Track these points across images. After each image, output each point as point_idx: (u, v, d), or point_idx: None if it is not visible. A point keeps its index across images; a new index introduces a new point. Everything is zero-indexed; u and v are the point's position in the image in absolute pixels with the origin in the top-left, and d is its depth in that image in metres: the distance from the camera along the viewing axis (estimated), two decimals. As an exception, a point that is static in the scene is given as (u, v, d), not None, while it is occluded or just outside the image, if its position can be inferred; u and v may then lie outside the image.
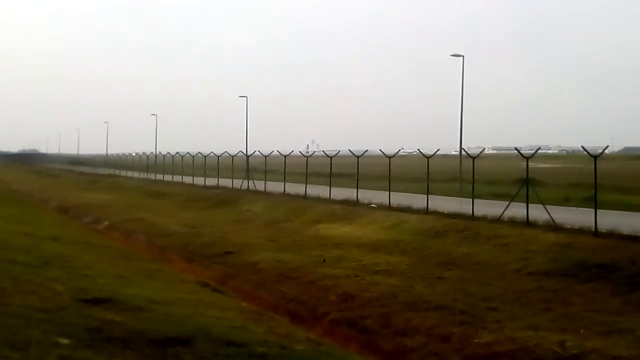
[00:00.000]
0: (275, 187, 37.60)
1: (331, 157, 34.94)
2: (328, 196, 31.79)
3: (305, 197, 33.20)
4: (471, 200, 24.29)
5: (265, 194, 37.25)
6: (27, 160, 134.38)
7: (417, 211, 25.59)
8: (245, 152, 49.00)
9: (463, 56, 39.92)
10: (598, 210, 19.59)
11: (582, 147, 23.79)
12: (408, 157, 49.66)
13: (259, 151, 44.65)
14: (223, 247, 21.95)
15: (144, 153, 67.18)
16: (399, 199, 28.19)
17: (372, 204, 28.87)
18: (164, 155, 60.43)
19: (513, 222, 21.51)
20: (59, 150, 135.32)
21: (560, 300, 13.91)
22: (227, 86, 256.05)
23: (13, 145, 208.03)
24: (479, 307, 13.22)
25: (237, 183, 42.57)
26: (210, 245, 22.47)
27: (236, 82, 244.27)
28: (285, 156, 39.03)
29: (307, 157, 38.80)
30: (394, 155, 31.21)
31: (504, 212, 22.30)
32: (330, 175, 33.79)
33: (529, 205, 21.82)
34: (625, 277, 15.05)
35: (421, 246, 20.55)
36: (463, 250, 19.37)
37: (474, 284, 15.52)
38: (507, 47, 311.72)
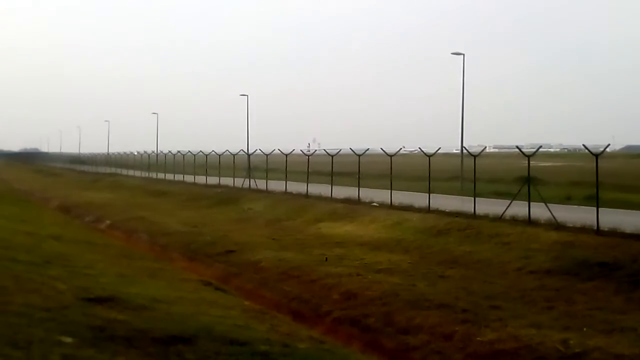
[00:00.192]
0: (276, 185, 37.60)
1: (332, 156, 34.92)
2: (329, 195, 31.78)
3: (306, 195, 33.20)
4: (473, 198, 24.27)
5: (267, 192, 37.25)
6: (28, 159, 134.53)
7: (419, 210, 25.57)
8: (246, 151, 49.00)
9: (464, 54, 39.91)
10: (600, 209, 19.56)
11: (584, 145, 23.74)
12: (409, 155, 49.57)
13: (260, 150, 44.67)
14: (225, 245, 21.95)
15: (145, 152, 67.27)
16: (401, 197, 28.18)
17: (373, 202, 28.86)
18: (165, 154, 60.46)
19: (515, 220, 21.50)
20: (60, 149, 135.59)
21: (562, 298, 13.90)
22: (228, 85, 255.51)
23: (14, 144, 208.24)
24: (482, 306, 13.21)
25: (239, 182, 42.57)
26: (212, 244, 22.47)
27: (237, 80, 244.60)
28: (286, 155, 39.03)
29: (309, 156, 38.83)
30: (395, 154, 31.18)
31: (505, 210, 22.29)
32: (332, 173, 33.78)
33: (531, 203, 21.81)
34: (627, 276, 15.04)
35: (423, 245, 20.54)
36: (465, 249, 19.37)
37: (476, 283, 15.51)
38: (507, 45, 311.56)
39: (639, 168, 46.43)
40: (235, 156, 46.83)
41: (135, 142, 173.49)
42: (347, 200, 30.04)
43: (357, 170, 32.29)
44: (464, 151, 36.12)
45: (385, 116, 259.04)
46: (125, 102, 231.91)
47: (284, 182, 36.94)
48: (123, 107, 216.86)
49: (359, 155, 32.57)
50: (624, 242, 17.27)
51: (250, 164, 44.90)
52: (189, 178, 50.33)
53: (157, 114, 79.31)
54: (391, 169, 29.72)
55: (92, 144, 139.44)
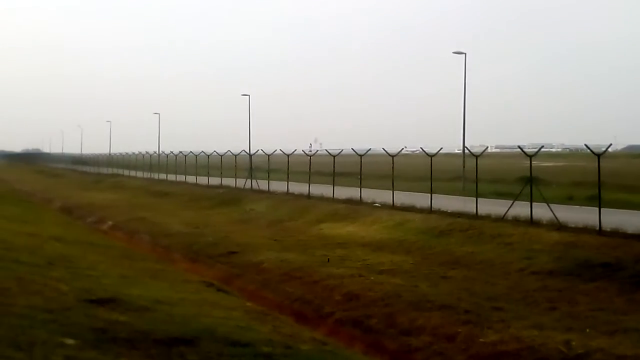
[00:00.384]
0: (278, 186, 37.59)
1: (334, 156, 34.88)
2: (331, 195, 31.78)
3: (308, 196, 33.20)
4: (475, 199, 24.26)
5: (269, 193, 37.25)
6: (30, 160, 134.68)
7: (421, 210, 25.56)
8: (248, 151, 49.00)
9: (465, 54, 39.81)
10: (602, 209, 19.54)
11: (586, 145, 23.77)
12: (411, 155, 49.55)
13: (262, 150, 44.65)
14: (227, 246, 21.95)
15: (147, 152, 67.29)
16: (403, 198, 28.16)
17: (375, 203, 28.84)
18: (167, 155, 60.47)
19: (517, 221, 21.48)
20: (62, 150, 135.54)
21: (565, 299, 13.88)
22: (229, 85, 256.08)
23: (16, 144, 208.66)
24: (484, 307, 13.19)
25: (240, 182, 42.57)
26: (214, 245, 22.47)
27: (238, 80, 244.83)
28: (288, 155, 39.03)
29: (310, 156, 38.76)
30: (397, 154, 31.16)
31: (507, 211, 22.27)
32: (334, 174, 33.78)
33: (533, 204, 21.79)
34: (629, 276, 15.02)
35: (425, 245, 20.53)
36: (467, 250, 19.35)
37: (479, 283, 15.50)
38: (509, 44, 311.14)
39: (641, 168, 46.32)
40: (237, 157, 46.83)
41: (137, 142, 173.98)
42: (349, 201, 30.03)
43: (359, 171, 32.28)
44: (466, 151, 36.07)
45: (386, 116, 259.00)
46: (127, 102, 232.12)
47: (286, 182, 36.94)
48: (124, 107, 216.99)
49: (361, 156, 32.55)
50: (626, 242, 17.25)
51: (252, 165, 44.88)
52: (190, 179, 50.33)
53: (158, 114, 79.36)
54: (393, 169, 29.70)
55: (94, 144, 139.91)
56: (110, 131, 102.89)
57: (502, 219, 22.02)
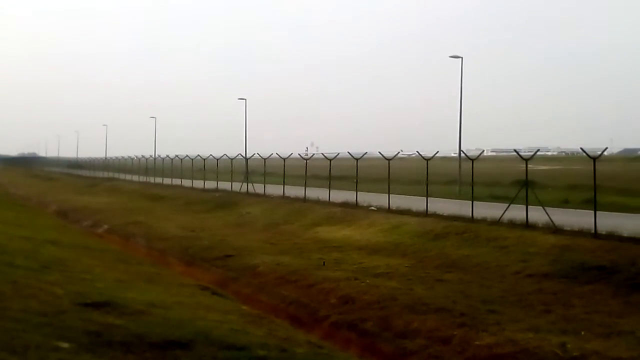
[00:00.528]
0: (274, 189, 37.59)
1: (330, 160, 34.92)
2: (327, 199, 31.78)
3: (304, 199, 33.19)
4: (470, 202, 24.29)
5: (265, 196, 37.23)
6: (25, 164, 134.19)
7: (417, 213, 25.58)
8: (244, 155, 48.96)
9: (462, 57, 39.79)
10: (597, 212, 19.58)
11: (581, 148, 23.78)
12: (407, 159, 49.58)
13: (258, 154, 44.62)
14: (222, 250, 21.93)
15: (142, 156, 67.19)
16: (399, 201, 28.17)
17: (371, 206, 28.85)
18: (163, 159, 60.42)
19: (512, 224, 21.51)
20: (58, 154, 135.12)
21: (560, 302, 13.90)
22: (225, 89, 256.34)
23: (12, 148, 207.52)
24: (479, 310, 13.21)
25: (236, 186, 42.54)
26: (210, 249, 22.45)
27: (234, 84, 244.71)
28: (284, 159, 39.01)
29: (306, 160, 38.77)
30: (393, 158, 31.19)
31: (503, 214, 22.30)
32: (330, 177, 33.78)
33: (529, 207, 21.83)
34: (625, 279, 15.05)
35: (421, 249, 20.54)
36: (463, 253, 19.37)
37: (474, 286, 15.51)
38: (505, 48, 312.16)
39: (636, 171, 46.47)
40: (233, 160, 46.82)
41: (133, 146, 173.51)
42: (344, 204, 30.04)
43: (355, 174, 32.29)
44: (462, 155, 36.08)
45: (382, 120, 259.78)
46: (123, 106, 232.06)
47: (282, 186, 36.93)
48: (120, 112, 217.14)
49: (357, 159, 32.58)
50: (622, 245, 17.30)
51: (248, 168, 44.85)
52: (186, 182, 50.28)
53: (155, 118, 79.17)
54: (389, 173, 29.72)
55: (90, 148, 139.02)
56: (106, 135, 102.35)
57: (497, 222, 22.05)
